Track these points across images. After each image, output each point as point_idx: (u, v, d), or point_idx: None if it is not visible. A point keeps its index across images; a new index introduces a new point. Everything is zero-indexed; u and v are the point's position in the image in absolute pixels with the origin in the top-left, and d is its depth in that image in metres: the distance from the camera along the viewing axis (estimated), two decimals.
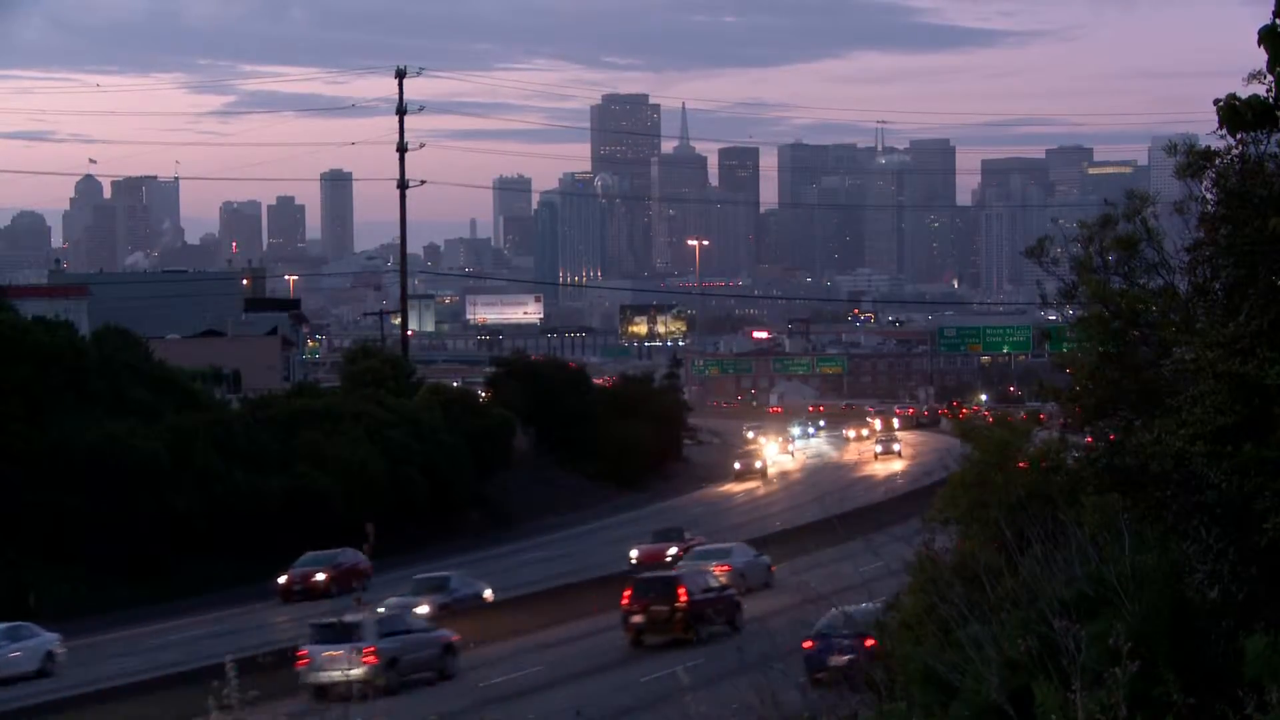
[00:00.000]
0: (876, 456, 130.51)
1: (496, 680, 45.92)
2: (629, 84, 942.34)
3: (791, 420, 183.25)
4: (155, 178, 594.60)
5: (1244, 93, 14.02)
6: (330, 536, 71.44)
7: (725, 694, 13.72)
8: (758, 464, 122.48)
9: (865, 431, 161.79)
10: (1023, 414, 53.66)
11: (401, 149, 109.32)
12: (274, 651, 40.13)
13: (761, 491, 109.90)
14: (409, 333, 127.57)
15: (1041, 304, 26.25)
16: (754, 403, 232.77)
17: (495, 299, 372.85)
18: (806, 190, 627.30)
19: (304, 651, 43.57)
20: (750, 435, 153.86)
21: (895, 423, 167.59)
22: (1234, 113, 13.50)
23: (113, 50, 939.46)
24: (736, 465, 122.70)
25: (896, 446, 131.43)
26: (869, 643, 27.03)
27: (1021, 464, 26.82)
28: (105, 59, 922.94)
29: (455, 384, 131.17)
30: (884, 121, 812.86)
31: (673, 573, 55.08)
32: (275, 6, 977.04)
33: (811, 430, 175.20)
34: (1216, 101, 13.60)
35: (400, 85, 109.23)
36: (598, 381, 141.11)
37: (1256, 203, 15.66)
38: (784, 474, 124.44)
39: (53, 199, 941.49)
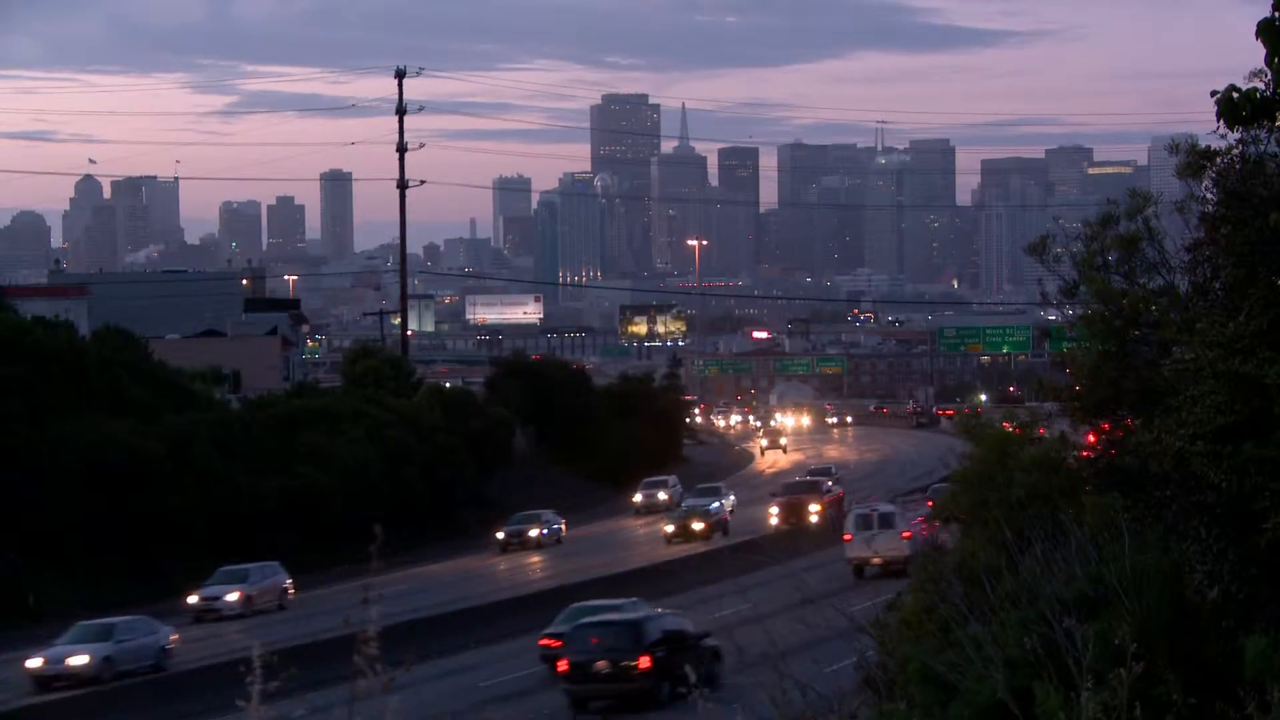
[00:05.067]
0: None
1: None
2: (629, 84, 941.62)
3: None
4: (155, 178, 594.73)
5: (1244, 89, 14.01)
6: (330, 536, 71.36)
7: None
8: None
9: None
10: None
11: (401, 149, 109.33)
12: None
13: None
14: (409, 333, 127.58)
15: (1042, 302, 26.25)
16: (754, 402, 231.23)
17: (495, 299, 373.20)
18: (806, 190, 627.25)
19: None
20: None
21: None
22: (1231, 105, 13.48)
23: (115, 50, 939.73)
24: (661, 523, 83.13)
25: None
26: None
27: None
28: (107, 59, 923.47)
29: (455, 384, 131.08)
30: (884, 121, 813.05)
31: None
32: (311, 7, 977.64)
33: None
34: (1214, 93, 13.59)
35: (400, 85, 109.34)
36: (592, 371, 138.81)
37: (1257, 202, 15.66)
38: None
39: (53, 199, 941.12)
